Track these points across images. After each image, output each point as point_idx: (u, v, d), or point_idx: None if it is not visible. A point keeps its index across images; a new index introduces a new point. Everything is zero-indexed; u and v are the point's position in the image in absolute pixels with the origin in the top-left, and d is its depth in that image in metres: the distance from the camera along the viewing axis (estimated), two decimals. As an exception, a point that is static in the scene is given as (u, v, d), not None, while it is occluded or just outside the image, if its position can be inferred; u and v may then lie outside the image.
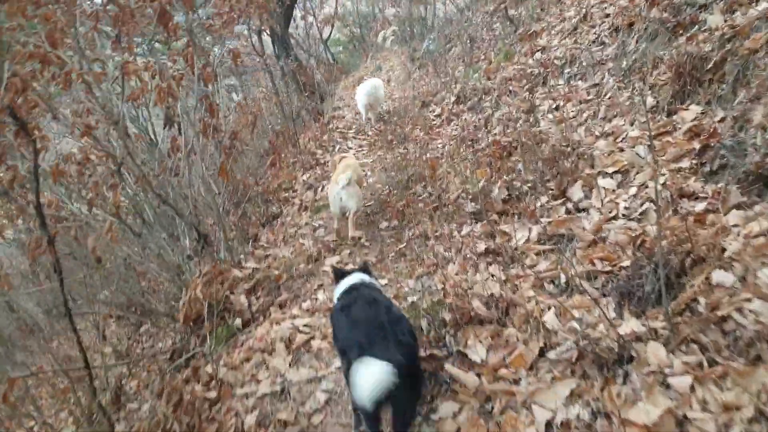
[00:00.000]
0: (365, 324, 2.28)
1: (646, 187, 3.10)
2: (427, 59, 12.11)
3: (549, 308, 2.56)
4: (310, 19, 17.83)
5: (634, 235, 2.73)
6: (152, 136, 5.55)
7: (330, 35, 17.54)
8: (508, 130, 4.99)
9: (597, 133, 3.88)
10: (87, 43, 4.91)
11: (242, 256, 4.64)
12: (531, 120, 4.85)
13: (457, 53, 10.94)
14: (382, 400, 2.06)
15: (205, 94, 5.78)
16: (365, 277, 2.74)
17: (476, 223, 3.80)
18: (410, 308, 2.99)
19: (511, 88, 5.96)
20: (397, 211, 4.52)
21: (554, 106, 4.95)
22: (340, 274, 2.82)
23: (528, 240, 3.24)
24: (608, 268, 2.62)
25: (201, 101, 5.60)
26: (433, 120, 7.03)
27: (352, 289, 2.63)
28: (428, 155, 5.63)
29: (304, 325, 3.20)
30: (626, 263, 2.58)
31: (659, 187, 2.99)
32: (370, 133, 7.82)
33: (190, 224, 4.07)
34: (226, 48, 5.52)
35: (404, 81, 11.45)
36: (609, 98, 4.36)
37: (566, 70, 5.39)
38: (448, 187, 4.52)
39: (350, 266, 3.78)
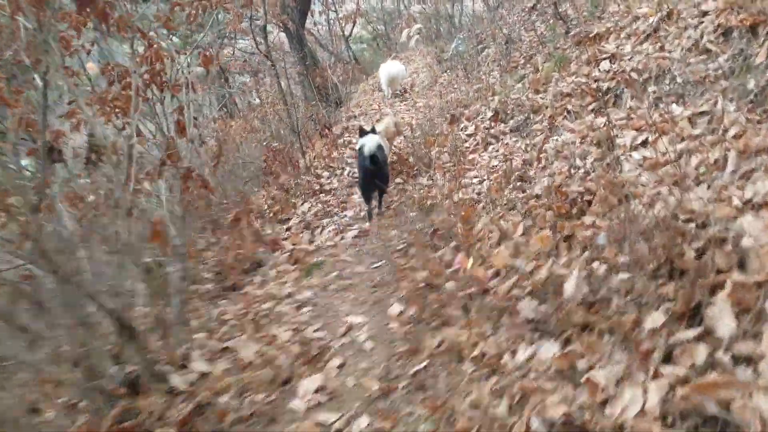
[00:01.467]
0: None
1: None
2: (456, 62, 10.62)
3: None
4: (332, 14, 16.46)
5: None
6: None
7: (351, 32, 16.09)
8: (574, 171, 3.52)
9: (737, 202, 2.39)
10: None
11: (197, 336, 3.26)
12: (609, 160, 3.37)
13: (491, 56, 9.42)
14: (373, 168, 4.65)
15: (178, 107, 4.46)
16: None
17: (540, 338, 2.34)
18: None
19: (569, 107, 4.47)
20: (416, 289, 3.09)
21: (640, 140, 3.45)
22: (363, 132, 5.19)
23: (643, 411, 1.78)
24: None
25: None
26: (466, 141, 5.56)
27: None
28: (460, 194, 4.18)
29: None
30: None
31: None
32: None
33: (109, 311, 2.70)
34: (192, 50, 4.13)
35: (430, 86, 9.98)
36: (736, 137, 2.86)
37: (651, 88, 3.88)
38: (490, 257, 3.07)
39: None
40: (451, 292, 2.87)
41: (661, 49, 4.12)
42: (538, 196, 3.53)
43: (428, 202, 4.41)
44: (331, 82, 10.17)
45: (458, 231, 3.50)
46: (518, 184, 3.86)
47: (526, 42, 8.32)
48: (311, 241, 4.56)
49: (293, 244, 4.65)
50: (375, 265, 3.71)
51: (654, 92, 3.81)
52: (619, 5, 5.88)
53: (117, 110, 3.87)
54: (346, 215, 4.78)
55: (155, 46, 4.05)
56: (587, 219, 2.98)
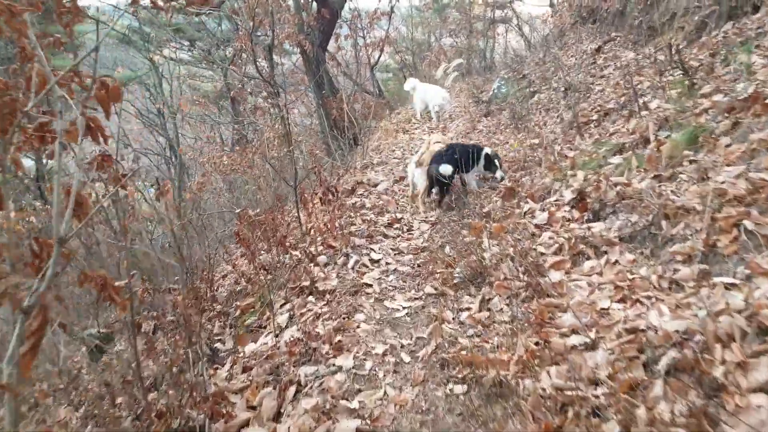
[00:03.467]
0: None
1: None
2: (498, 105, 8.70)
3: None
4: (359, 40, 14.70)
5: None
6: None
7: (378, 61, 14.29)
8: None
9: None
10: None
11: None
12: None
13: (544, 103, 7.48)
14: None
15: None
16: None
17: None
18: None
19: (749, 224, 2.46)
20: None
21: None
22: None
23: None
24: None
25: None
26: (535, 236, 3.56)
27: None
28: (553, 374, 2.17)
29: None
30: None
31: None
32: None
33: None
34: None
35: (467, 133, 8.01)
36: None
37: None
38: None
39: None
40: None
41: None
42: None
43: (487, 372, 2.38)
44: (348, 116, 8.24)
45: None
46: (693, 393, 1.83)
47: (597, 92, 6.38)
48: (277, 415, 2.53)
49: (248, 408, 2.65)
50: None
51: None
52: None
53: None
54: (338, 367, 2.74)
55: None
56: None
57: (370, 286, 3.59)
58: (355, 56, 15.08)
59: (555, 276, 2.99)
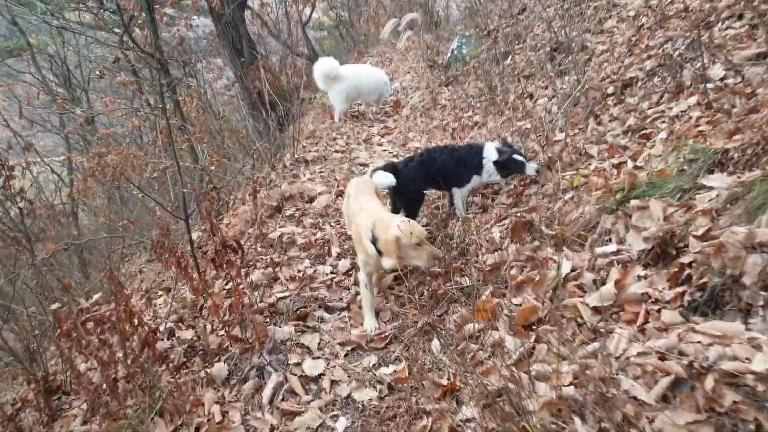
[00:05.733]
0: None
1: None
2: (461, 70, 6.95)
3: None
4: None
5: None
6: None
7: (309, 18, 12.13)
8: None
9: None
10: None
11: None
12: None
13: (522, 67, 5.78)
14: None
15: None
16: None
17: None
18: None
19: None
20: None
21: None
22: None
23: None
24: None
25: None
26: (603, 340, 1.93)
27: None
28: None
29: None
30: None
31: None
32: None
33: None
34: None
35: (426, 109, 6.23)
36: None
37: None
38: None
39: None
40: None
41: None
42: None
43: None
44: (271, 92, 6.27)
45: None
46: None
47: (601, 53, 4.73)
48: None
49: None
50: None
51: None
52: None
53: None
54: None
55: None
56: None
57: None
58: (285, 13, 12.82)
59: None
